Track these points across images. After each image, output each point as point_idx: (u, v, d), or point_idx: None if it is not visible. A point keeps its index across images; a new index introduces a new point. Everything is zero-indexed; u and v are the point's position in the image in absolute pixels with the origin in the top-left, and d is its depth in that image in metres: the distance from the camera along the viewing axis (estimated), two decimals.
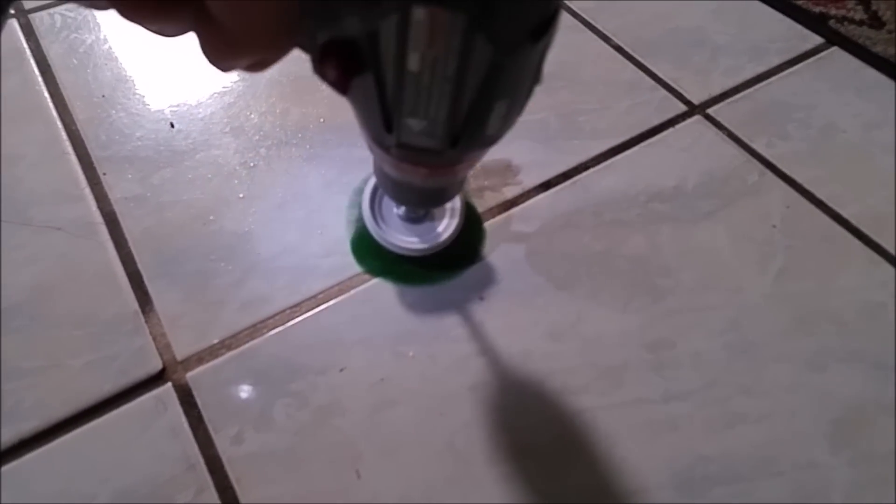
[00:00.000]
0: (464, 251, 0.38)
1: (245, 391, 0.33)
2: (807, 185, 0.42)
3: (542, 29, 0.15)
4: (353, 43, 0.16)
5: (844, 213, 0.40)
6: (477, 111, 0.17)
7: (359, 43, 0.16)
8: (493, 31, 0.14)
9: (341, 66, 0.16)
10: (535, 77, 0.18)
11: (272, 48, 0.15)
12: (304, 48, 0.17)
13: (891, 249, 0.39)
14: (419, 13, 0.14)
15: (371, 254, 0.38)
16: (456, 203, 0.38)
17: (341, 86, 0.17)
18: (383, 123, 0.18)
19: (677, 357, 0.35)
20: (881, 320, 0.36)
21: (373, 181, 0.38)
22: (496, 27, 0.14)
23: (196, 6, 0.14)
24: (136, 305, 0.36)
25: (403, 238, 0.37)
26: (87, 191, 0.40)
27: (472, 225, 0.39)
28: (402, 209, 0.37)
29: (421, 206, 0.35)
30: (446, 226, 0.37)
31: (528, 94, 0.19)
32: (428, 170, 0.22)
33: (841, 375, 0.34)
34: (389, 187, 0.28)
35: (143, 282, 0.36)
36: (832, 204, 0.41)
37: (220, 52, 0.15)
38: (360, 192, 0.40)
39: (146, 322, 0.35)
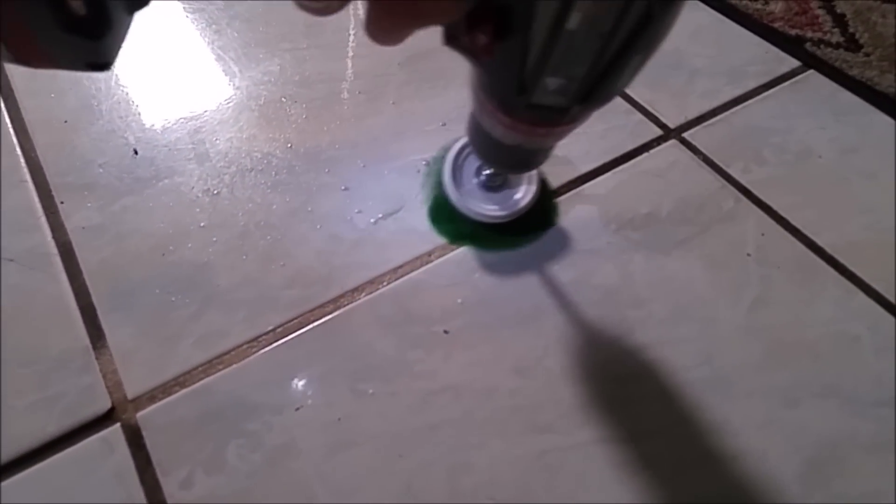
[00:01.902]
0: (539, 220, 0.40)
1: (197, 431, 0.32)
2: (782, 212, 0.41)
3: None
4: (507, 6, 0.16)
5: (819, 241, 0.39)
6: (614, 66, 0.18)
7: (511, 7, 0.16)
8: None
9: (493, 30, 0.16)
10: (669, 32, 0.18)
11: (448, 14, 0.15)
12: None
13: (866, 279, 0.38)
14: None
15: (449, 219, 0.39)
16: (533, 172, 0.39)
17: (487, 51, 0.17)
18: (518, 85, 0.18)
19: (646, 393, 0.33)
20: (855, 353, 0.35)
21: (453, 151, 0.39)
22: None
23: None
24: (87, 341, 0.34)
25: (484, 205, 0.37)
26: (43, 220, 0.39)
27: (546, 195, 0.41)
28: (483, 177, 0.38)
29: (519, 169, 0.36)
30: (524, 193, 0.38)
31: (658, 48, 0.19)
32: (545, 129, 0.23)
33: (814, 411, 0.33)
34: (492, 150, 0.29)
35: (96, 316, 0.35)
36: (807, 231, 0.40)
37: (394, 22, 0.15)
38: (439, 160, 0.41)
39: (97, 358, 0.34)
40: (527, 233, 0.39)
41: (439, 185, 0.40)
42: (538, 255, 0.38)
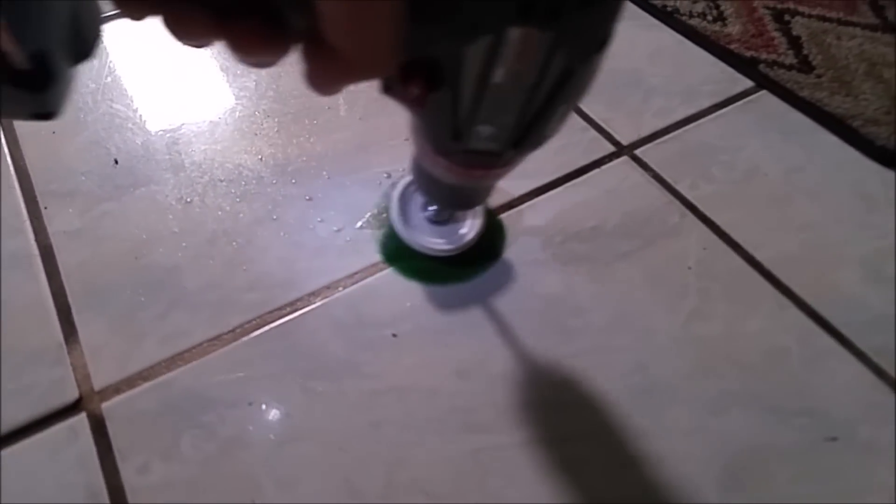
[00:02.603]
0: (485, 250, 0.41)
1: (156, 422, 0.34)
2: (725, 228, 0.42)
3: (605, 42, 0.18)
4: (436, 62, 0.17)
5: (758, 256, 0.41)
6: (542, 115, 0.19)
7: (441, 61, 0.17)
8: (574, 45, 0.16)
9: (424, 84, 0.17)
10: (591, 83, 0.20)
11: (381, 71, 0.16)
12: None
13: (799, 293, 0.39)
14: (513, 33, 0.15)
15: (399, 255, 0.40)
16: (478, 208, 0.40)
17: (420, 102, 0.18)
18: (452, 133, 0.20)
19: (579, 397, 0.35)
20: (783, 364, 0.37)
21: (400, 187, 0.40)
22: (577, 41, 0.16)
23: (307, 36, 0.14)
24: (60, 336, 0.37)
25: (430, 239, 0.39)
26: (28, 224, 0.41)
27: (491, 226, 0.42)
28: (429, 212, 0.39)
29: (461, 206, 0.37)
30: (470, 227, 0.40)
31: (582, 98, 0.20)
32: (482, 171, 0.24)
33: (739, 419, 0.35)
34: (434, 190, 0.30)
35: (70, 314, 0.37)
36: (747, 247, 0.41)
37: (330, 77, 0.16)
38: (387, 196, 0.42)
39: (69, 353, 0.36)
40: (474, 265, 0.40)
41: (388, 220, 0.41)
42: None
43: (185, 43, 0.15)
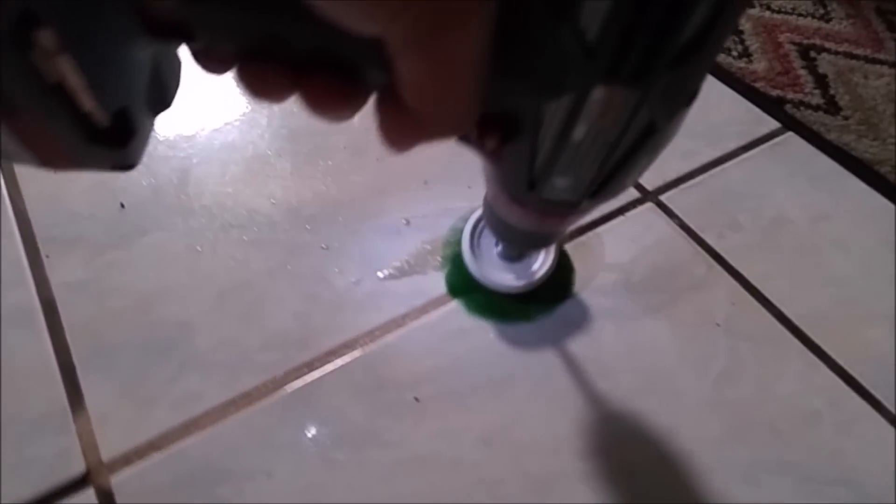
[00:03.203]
0: (556, 289, 0.40)
1: (170, 497, 0.32)
2: (753, 281, 0.41)
3: (693, 96, 0.17)
4: (514, 115, 0.17)
5: (787, 312, 0.40)
6: (622, 168, 0.18)
7: (520, 115, 0.17)
8: (657, 104, 0.16)
9: (500, 137, 0.17)
10: (675, 132, 0.19)
11: (461, 130, 0.15)
12: None
13: (830, 352, 0.38)
14: (598, 92, 0.15)
15: (468, 289, 0.39)
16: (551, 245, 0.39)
17: (496, 155, 0.18)
18: (527, 183, 0.19)
19: (609, 467, 0.34)
20: (815, 429, 0.35)
21: (472, 220, 0.39)
22: (662, 101, 0.15)
23: (384, 92, 0.14)
24: (65, 401, 0.35)
25: (501, 275, 0.38)
26: (29, 274, 0.39)
27: (563, 264, 0.41)
28: (501, 248, 0.38)
29: (532, 248, 0.36)
30: (541, 264, 0.38)
31: (665, 146, 0.20)
32: (557, 219, 0.24)
33: (771, 489, 0.33)
34: (505, 234, 0.30)
35: (75, 375, 0.36)
36: (776, 302, 0.40)
37: (405, 136, 0.15)
38: (458, 230, 0.41)
39: (74, 420, 0.34)
40: (544, 303, 0.39)
41: (458, 253, 0.40)
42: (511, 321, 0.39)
43: (259, 100, 0.15)
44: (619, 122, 0.16)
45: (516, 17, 0.13)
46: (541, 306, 0.39)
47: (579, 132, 0.16)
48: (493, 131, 0.17)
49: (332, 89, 0.14)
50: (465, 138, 0.19)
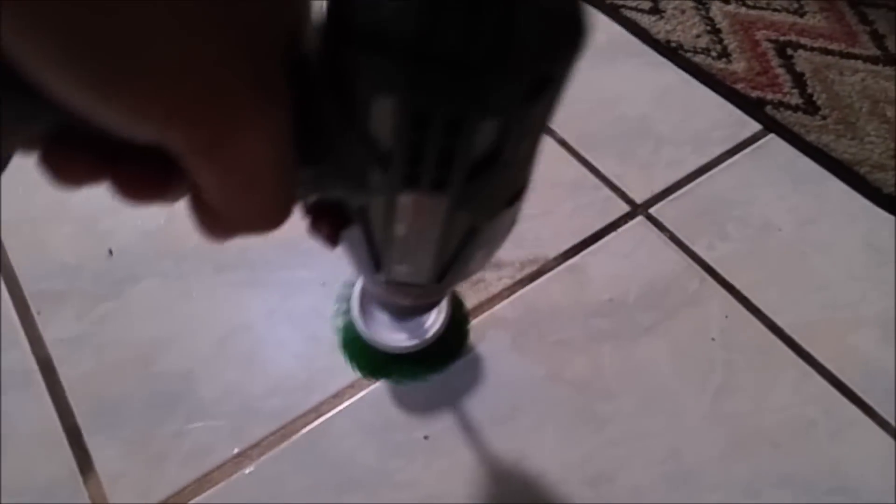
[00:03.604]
0: (452, 345, 0.37)
1: None
2: (745, 292, 0.41)
3: (517, 196, 0.16)
4: (342, 204, 0.17)
5: (779, 322, 0.40)
6: (459, 258, 0.18)
7: (348, 205, 0.17)
8: (472, 209, 0.15)
9: (332, 223, 0.17)
10: (510, 229, 0.19)
11: (270, 226, 0.15)
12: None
13: (821, 359, 0.39)
14: (404, 198, 0.14)
15: (361, 353, 0.36)
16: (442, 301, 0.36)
17: (332, 240, 0.18)
18: (372, 265, 0.19)
19: (616, 492, 0.34)
20: (811, 438, 0.36)
21: (360, 283, 0.36)
22: (475, 205, 0.15)
23: (192, 187, 0.13)
24: (74, 465, 0.34)
25: (391, 336, 0.35)
26: (22, 334, 0.38)
27: (458, 318, 0.38)
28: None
29: (409, 317, 0.34)
30: (434, 320, 0.35)
31: (504, 240, 0.19)
32: (413, 297, 0.24)
33: (773, 502, 0.34)
34: (379, 303, 0.29)
35: (81, 437, 0.35)
36: (768, 312, 0.41)
37: (215, 232, 0.15)
38: (346, 297, 0.37)
39: (85, 484, 0.33)
40: (439, 362, 0.36)
41: (348, 316, 0.36)
42: (511, 350, 0.39)
43: (63, 186, 0.13)
44: (435, 225, 0.16)
45: (315, 118, 0.13)
46: (434, 367, 0.36)
47: (400, 230, 0.16)
48: (324, 220, 0.17)
49: (143, 179, 0.13)
50: (309, 229, 0.18)
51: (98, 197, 0.43)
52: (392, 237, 0.16)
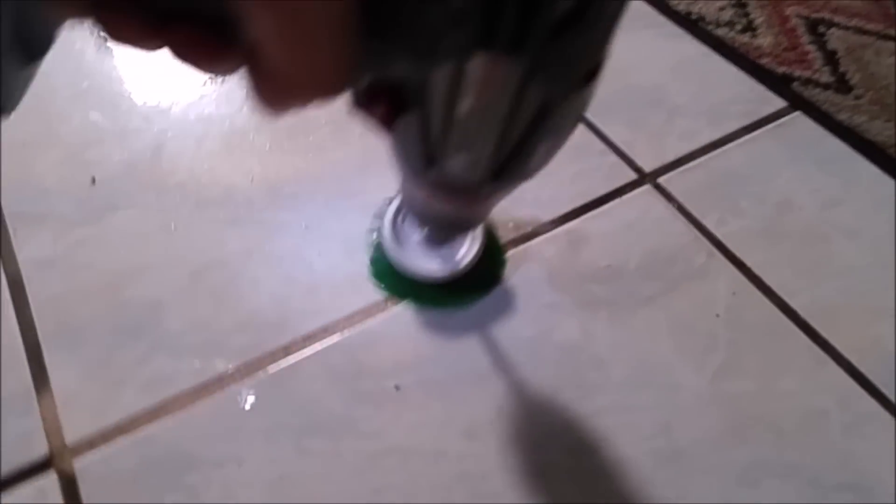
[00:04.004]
0: (484, 277, 0.36)
1: (134, 483, 0.30)
2: (756, 270, 0.38)
3: (592, 74, 0.15)
4: (401, 84, 0.15)
5: (793, 304, 0.36)
6: (521, 149, 0.17)
7: (407, 84, 0.15)
8: (547, 79, 0.14)
9: (389, 106, 0.16)
10: (579, 118, 0.17)
11: (327, 92, 0.14)
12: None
13: (838, 347, 0.35)
14: (477, 62, 0.13)
15: (391, 278, 0.36)
16: (476, 229, 0.36)
17: (386, 124, 0.17)
18: (424, 159, 0.18)
19: (597, 464, 0.31)
20: (821, 430, 0.32)
21: (394, 205, 0.36)
22: (551, 75, 0.14)
23: (249, 49, 0.13)
24: (30, 381, 0.32)
25: (423, 263, 0.34)
26: None
27: (492, 251, 0.37)
28: (424, 233, 0.35)
29: (449, 232, 0.33)
30: (466, 251, 0.35)
31: (570, 133, 0.18)
32: (462, 201, 0.22)
33: (773, 492, 0.31)
34: (419, 214, 0.27)
35: (41, 356, 0.33)
36: (781, 292, 0.37)
37: (272, 97, 0.14)
38: (381, 215, 0.37)
39: (39, 401, 0.32)
40: (471, 291, 0.36)
41: (380, 241, 0.36)
42: (499, 308, 0.36)
43: (125, 46, 0.13)
44: (505, 97, 0.14)
45: None
46: (469, 295, 0.36)
47: (465, 106, 0.15)
48: (380, 101, 0.16)
49: (196, 41, 0.13)
50: (358, 107, 0.17)
51: (88, 127, 0.42)
52: (454, 117, 0.15)
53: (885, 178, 0.42)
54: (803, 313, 0.36)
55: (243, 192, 0.39)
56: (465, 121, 0.15)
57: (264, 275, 0.36)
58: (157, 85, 0.45)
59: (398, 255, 0.35)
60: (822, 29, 0.49)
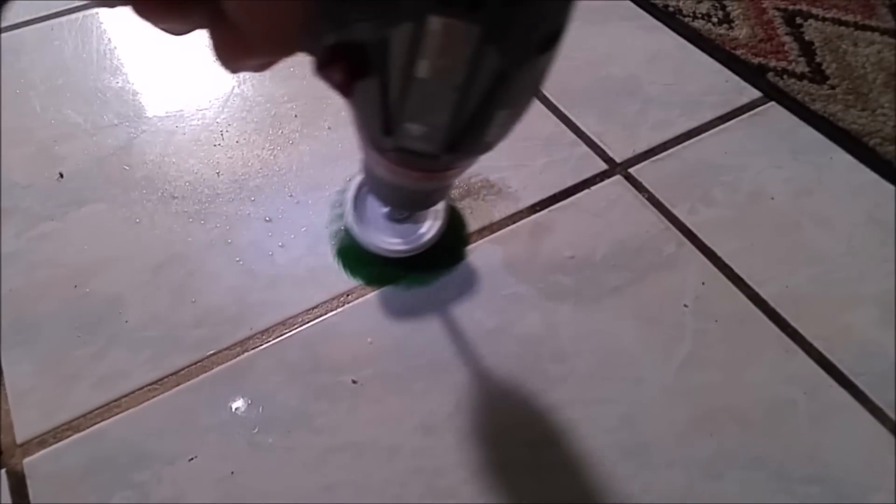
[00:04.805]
0: (446, 253, 0.35)
1: (84, 481, 0.28)
2: (726, 259, 0.36)
3: (551, 42, 0.15)
4: (361, 47, 0.15)
5: (763, 293, 0.35)
6: (478, 119, 0.17)
7: (367, 47, 0.15)
8: (504, 43, 0.14)
9: (347, 69, 0.16)
10: (536, 88, 0.17)
11: (284, 49, 0.14)
12: (307, 49, 0.16)
13: (808, 336, 0.33)
14: (434, 22, 0.13)
15: (355, 257, 0.35)
16: (439, 206, 0.34)
17: (345, 88, 0.16)
18: (382, 127, 0.17)
19: (560, 458, 0.29)
20: (788, 420, 0.31)
21: (356, 183, 0.35)
22: (508, 39, 0.14)
23: (210, 5, 0.13)
24: None
25: (386, 239, 0.33)
26: None
27: (454, 227, 0.36)
28: (387, 209, 0.34)
29: (409, 208, 0.33)
30: (429, 227, 0.34)
31: (527, 104, 0.18)
32: (421, 173, 0.21)
33: (738, 485, 0.29)
34: (379, 189, 0.27)
35: None
36: (751, 281, 0.35)
37: (232, 52, 0.14)
38: (343, 192, 0.36)
39: None
40: (434, 268, 0.35)
41: (343, 218, 0.35)
42: (461, 299, 0.34)
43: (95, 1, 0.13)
44: (462, 62, 0.14)
45: None
46: (431, 272, 0.35)
47: (422, 69, 0.15)
48: (339, 62, 0.15)
49: None
50: (320, 71, 0.17)
51: (61, 123, 0.41)
52: (411, 80, 0.15)
53: (859, 167, 0.40)
54: (773, 302, 0.34)
55: (209, 186, 0.38)
56: (422, 85, 0.15)
57: (225, 268, 0.35)
58: (132, 81, 0.43)
59: (360, 232, 0.33)
60: (799, 20, 0.47)
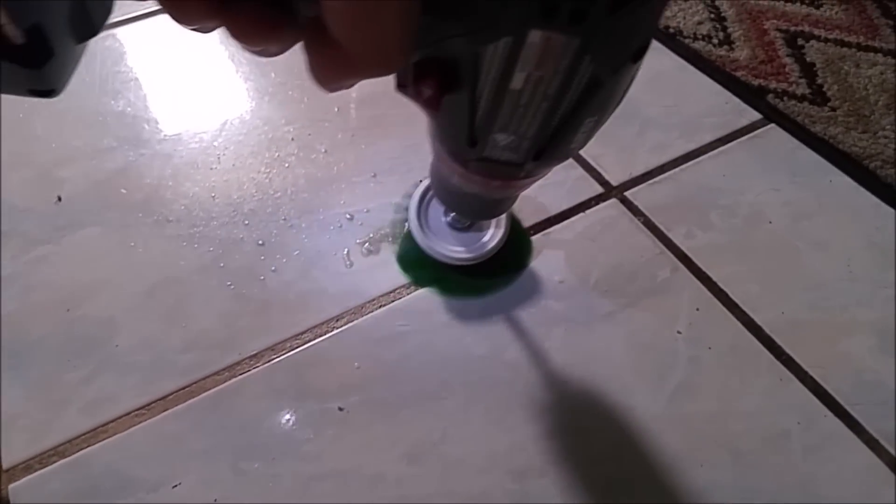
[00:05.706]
0: (510, 262, 0.37)
1: None
2: (721, 284, 0.36)
3: (644, 49, 0.15)
4: (452, 61, 0.16)
5: (758, 319, 0.35)
6: (566, 126, 0.17)
7: (458, 62, 0.15)
8: (602, 53, 0.14)
9: (438, 84, 0.16)
10: (624, 94, 0.18)
11: (389, 67, 0.14)
12: None
13: (803, 364, 0.33)
14: (535, 36, 0.14)
15: (416, 263, 0.36)
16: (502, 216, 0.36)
17: (434, 103, 0.17)
18: (468, 139, 0.18)
19: (545, 488, 0.30)
20: (782, 451, 0.31)
21: (420, 190, 0.36)
22: (607, 49, 0.14)
23: (312, 25, 0.13)
24: None
25: (449, 247, 0.35)
26: None
27: (517, 235, 0.37)
28: (451, 217, 0.35)
29: (479, 216, 0.34)
30: (492, 235, 0.35)
31: (613, 110, 0.18)
32: (500, 182, 0.22)
33: None
34: (450, 198, 0.28)
35: None
36: (746, 308, 0.35)
37: (333, 72, 0.14)
38: (407, 197, 0.38)
39: None
40: (497, 276, 0.36)
41: (406, 225, 0.37)
42: (451, 324, 0.35)
43: (185, 26, 0.13)
44: (559, 72, 0.15)
45: None
46: (493, 280, 0.36)
47: (518, 81, 0.15)
48: (430, 77, 0.16)
49: (257, 20, 0.13)
50: (404, 87, 0.17)
51: (62, 146, 0.42)
52: (505, 93, 0.16)
53: (859, 190, 0.40)
54: (768, 329, 0.34)
55: (204, 209, 0.39)
56: (515, 98, 0.16)
57: (216, 292, 0.36)
58: (133, 104, 0.45)
59: (422, 238, 0.35)
60: (801, 41, 0.48)
